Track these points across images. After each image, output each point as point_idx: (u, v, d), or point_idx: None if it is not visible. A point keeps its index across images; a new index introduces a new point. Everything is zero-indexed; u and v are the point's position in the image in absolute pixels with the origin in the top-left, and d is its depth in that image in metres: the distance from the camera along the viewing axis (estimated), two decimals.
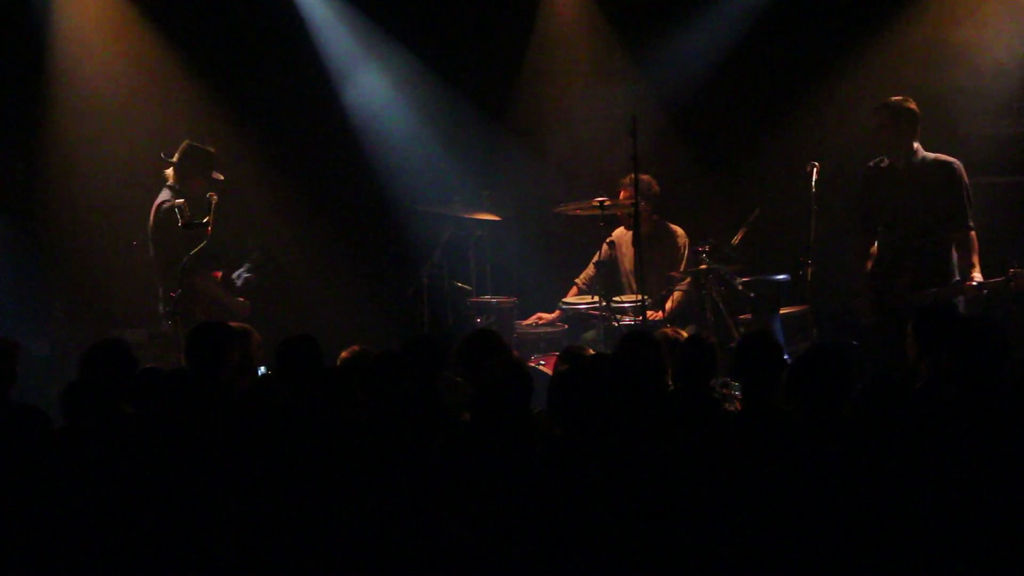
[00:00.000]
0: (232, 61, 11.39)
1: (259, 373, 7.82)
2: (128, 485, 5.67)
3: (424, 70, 11.33)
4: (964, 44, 10.34)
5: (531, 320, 10.33)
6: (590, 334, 9.90)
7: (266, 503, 5.62)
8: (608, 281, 10.08)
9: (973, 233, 8.91)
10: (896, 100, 9.04)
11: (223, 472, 5.74)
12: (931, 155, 9.05)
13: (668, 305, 9.86)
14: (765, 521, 5.34)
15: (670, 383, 6.79)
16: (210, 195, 9.37)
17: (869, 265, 9.14)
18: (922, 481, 5.31)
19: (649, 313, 9.49)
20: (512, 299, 10.25)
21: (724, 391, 7.12)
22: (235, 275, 9.55)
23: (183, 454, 5.78)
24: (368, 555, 5.46)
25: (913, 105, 9.02)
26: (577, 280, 10.44)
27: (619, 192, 9.95)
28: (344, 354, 7.32)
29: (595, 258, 10.13)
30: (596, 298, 9.79)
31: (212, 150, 9.65)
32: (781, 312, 9.65)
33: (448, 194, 10.41)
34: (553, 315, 10.28)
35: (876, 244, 9.13)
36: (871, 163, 9.22)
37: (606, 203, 9.75)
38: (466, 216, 10.34)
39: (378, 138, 11.50)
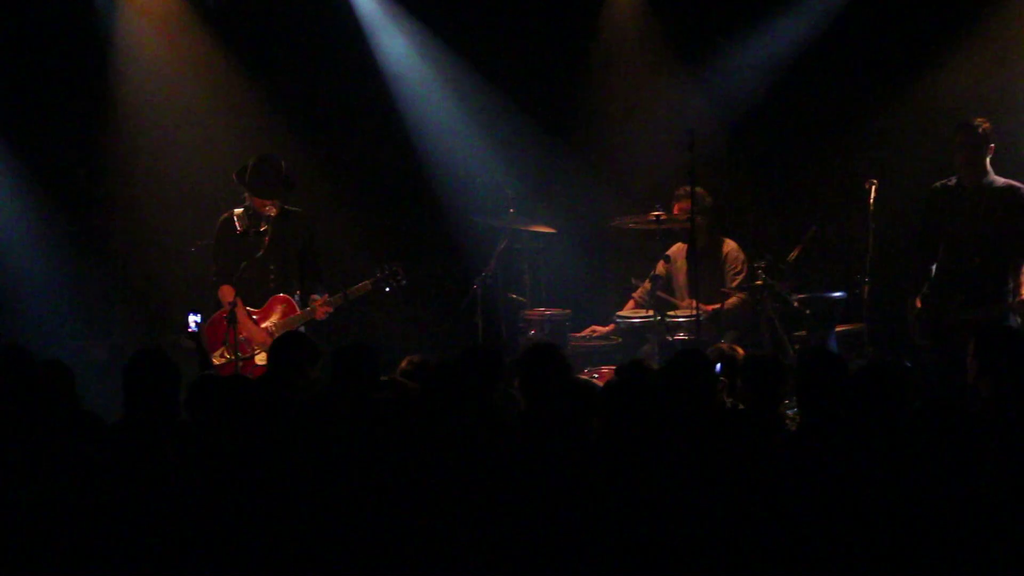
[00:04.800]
0: (292, 68, 11.46)
1: None
2: (181, 492, 5.70)
3: (482, 82, 11.34)
4: None
5: (585, 332, 10.31)
6: (645, 348, 9.88)
7: (318, 512, 5.63)
8: (665, 295, 10.07)
9: None
10: (977, 121, 8.97)
11: (277, 480, 5.76)
12: (1001, 180, 9.00)
13: (721, 309, 9.86)
14: (822, 541, 5.31)
15: (728, 400, 6.79)
16: (268, 208, 9.49)
17: (925, 285, 9.10)
18: (982, 502, 5.26)
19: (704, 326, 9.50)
20: (566, 311, 10.25)
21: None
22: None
23: (239, 462, 5.80)
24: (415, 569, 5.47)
25: (990, 127, 8.96)
26: (634, 294, 10.42)
27: (674, 206, 9.92)
28: (404, 364, 7.36)
29: (651, 272, 10.13)
30: (651, 312, 9.78)
31: (272, 167, 9.65)
32: (837, 329, 9.61)
33: (503, 205, 10.41)
34: (607, 328, 10.27)
35: (935, 265, 9.08)
36: (937, 184, 9.17)
37: (662, 217, 9.74)
38: (521, 228, 10.35)
39: (435, 148, 11.51)
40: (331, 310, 9.55)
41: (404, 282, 9.66)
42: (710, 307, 9.68)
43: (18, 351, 6.49)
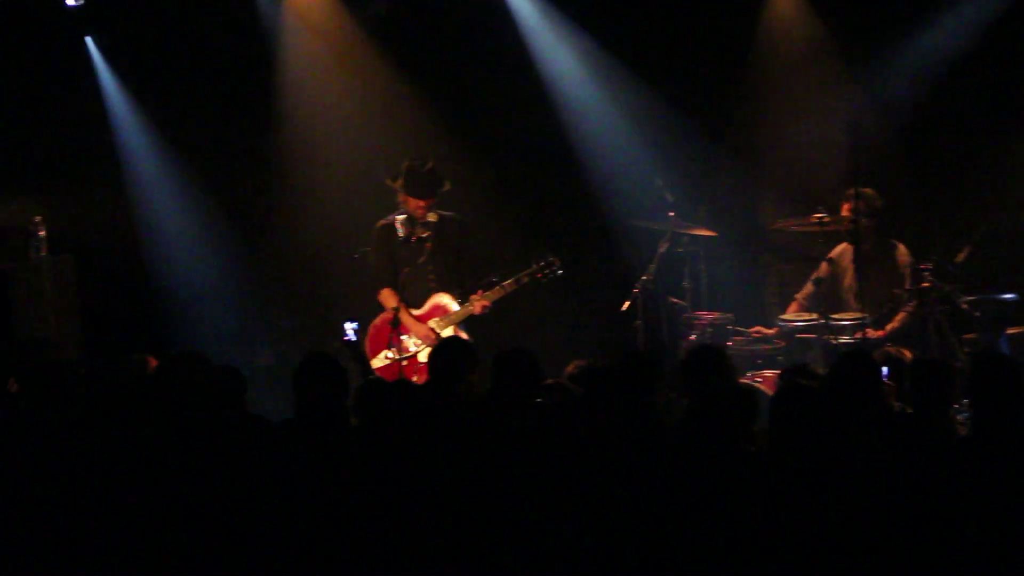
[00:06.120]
0: (452, 74, 11.57)
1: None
2: (350, 495, 5.78)
3: (641, 85, 11.30)
4: None
5: (752, 331, 10.16)
6: (809, 352, 9.74)
7: (485, 514, 5.67)
8: (829, 298, 9.91)
9: None
10: None
11: (444, 483, 5.82)
12: None
13: (890, 326, 9.66)
14: (993, 546, 5.20)
15: (895, 404, 6.67)
16: (428, 213, 9.66)
17: None
18: None
19: (869, 331, 9.34)
20: (728, 315, 10.16)
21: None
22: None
23: (407, 466, 5.87)
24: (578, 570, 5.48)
25: None
26: (797, 296, 10.28)
27: (841, 206, 9.77)
28: (571, 368, 7.38)
29: (814, 275, 10.00)
30: (815, 315, 9.65)
31: (426, 168, 9.80)
32: (1008, 332, 9.39)
33: (664, 209, 10.36)
34: (772, 331, 10.14)
35: None
36: None
37: (825, 220, 9.62)
38: (681, 231, 10.30)
39: (594, 152, 11.52)
40: (488, 304, 9.69)
41: (560, 272, 9.81)
42: (880, 332, 9.52)
43: (197, 357, 6.67)
